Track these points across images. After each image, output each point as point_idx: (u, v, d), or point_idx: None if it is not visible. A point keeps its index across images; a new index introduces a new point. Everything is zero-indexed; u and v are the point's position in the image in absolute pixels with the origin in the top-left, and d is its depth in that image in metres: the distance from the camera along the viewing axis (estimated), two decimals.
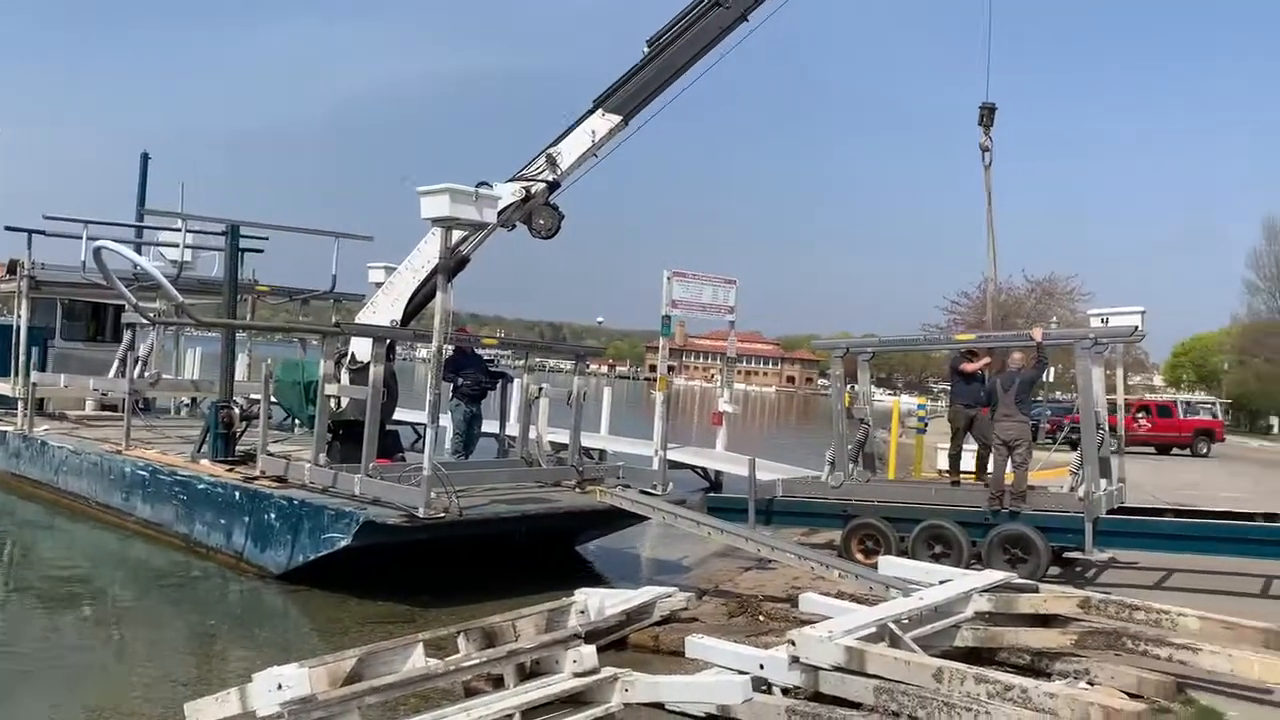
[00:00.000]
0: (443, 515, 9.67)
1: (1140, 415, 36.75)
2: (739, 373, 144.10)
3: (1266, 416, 79.38)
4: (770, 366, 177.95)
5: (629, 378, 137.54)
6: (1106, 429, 11.46)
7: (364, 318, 12.55)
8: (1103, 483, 10.94)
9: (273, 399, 13.55)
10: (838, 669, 6.13)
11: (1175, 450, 36.46)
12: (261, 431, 11.99)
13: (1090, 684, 6.67)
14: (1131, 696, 6.36)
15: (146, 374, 16.58)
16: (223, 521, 11.36)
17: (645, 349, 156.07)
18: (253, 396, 13.92)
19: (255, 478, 11.47)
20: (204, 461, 12.59)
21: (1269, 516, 11.93)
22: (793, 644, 6.27)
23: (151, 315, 14.02)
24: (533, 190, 11.75)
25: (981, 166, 12.86)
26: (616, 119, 11.76)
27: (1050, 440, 18.56)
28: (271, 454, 11.84)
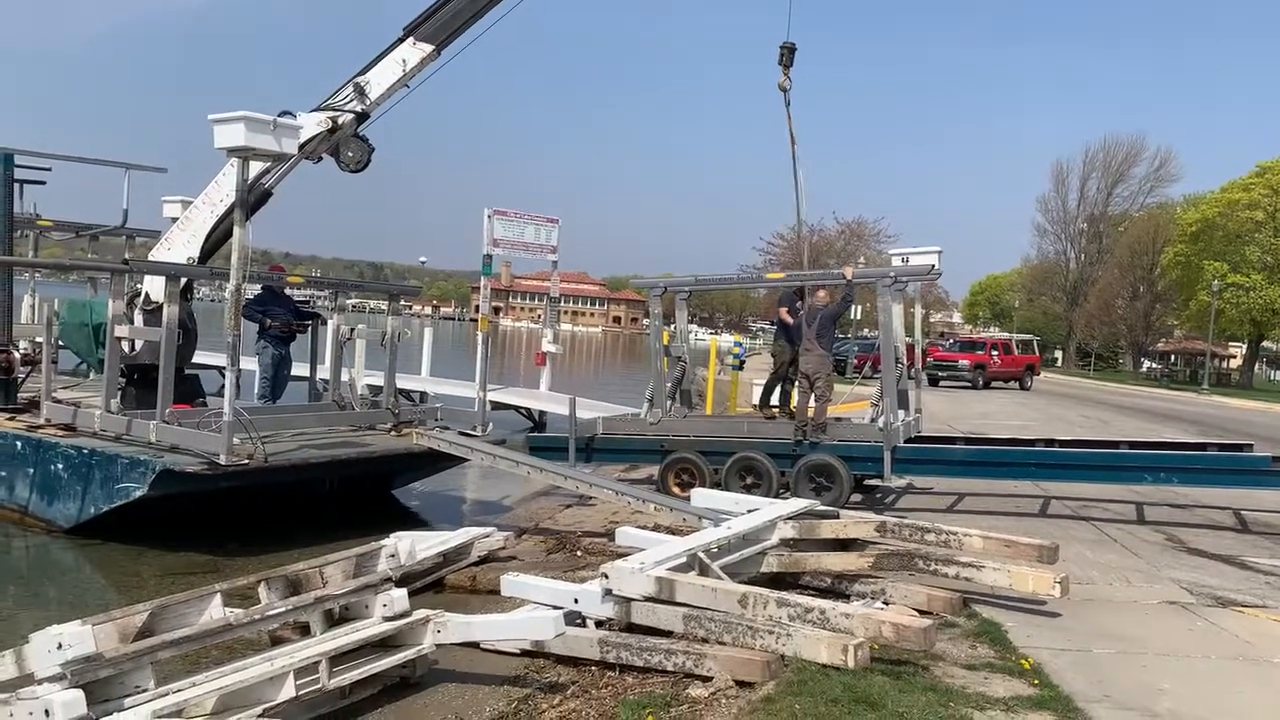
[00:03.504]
0: (247, 462, 9.28)
1: (994, 352, 40.17)
2: (566, 313, 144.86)
3: (1051, 350, 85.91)
4: (597, 307, 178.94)
5: (454, 319, 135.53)
6: (905, 363, 12.05)
7: (158, 255, 11.77)
8: (901, 414, 11.54)
9: (60, 343, 12.62)
10: (649, 599, 6.25)
11: (995, 384, 39.28)
12: (45, 376, 11.14)
13: (886, 603, 7.06)
14: (922, 613, 6.77)
15: None
16: (3, 474, 10.52)
17: (470, 290, 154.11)
18: (37, 340, 12.93)
19: (40, 426, 10.67)
20: None
21: (1049, 442, 12.93)
22: (606, 577, 6.35)
23: None
24: (340, 121, 11.20)
25: (784, 107, 13.03)
26: (429, 48, 11.32)
27: (858, 374, 19.41)
28: (58, 401, 11.04)
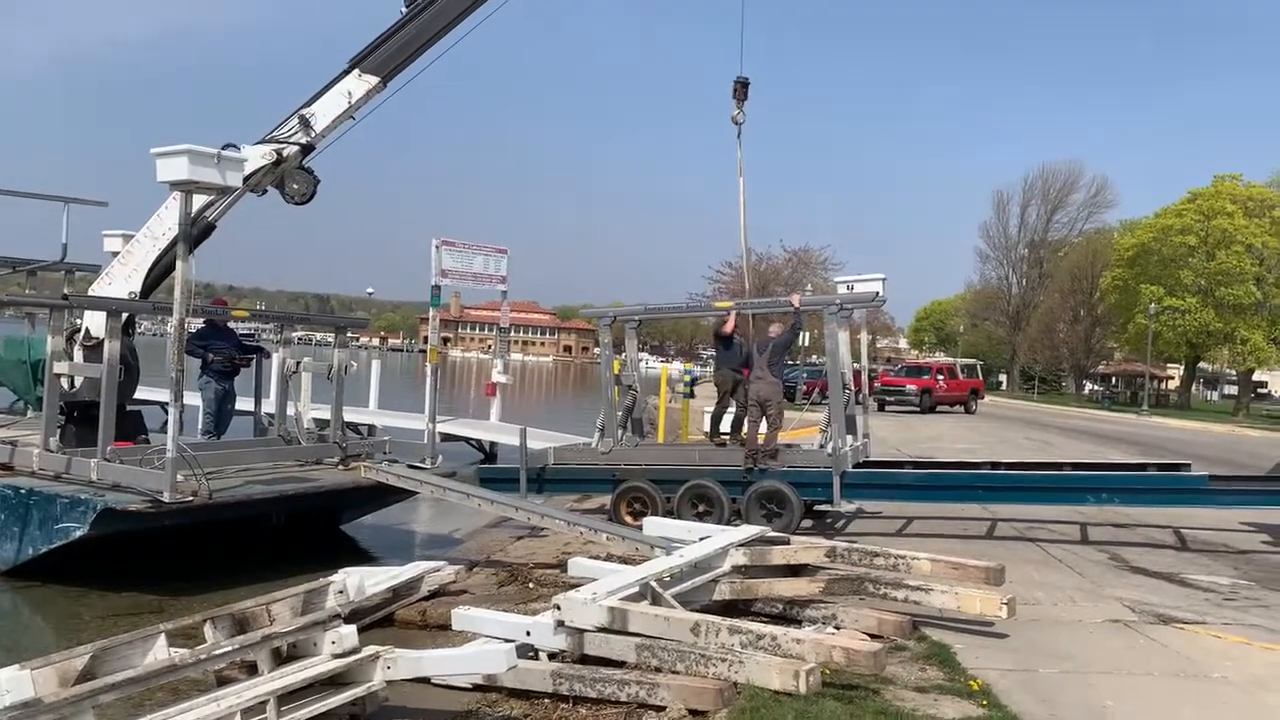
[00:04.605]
0: (191, 499, 9.11)
1: (939, 376, 40.90)
2: (516, 343, 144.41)
3: (996, 374, 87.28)
4: (547, 336, 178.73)
5: (403, 350, 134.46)
6: (852, 389, 12.20)
7: (99, 289, 11.58)
8: (849, 439, 11.67)
9: None
10: (601, 630, 6.23)
11: (940, 409, 39.83)
12: None
13: (836, 628, 7.12)
14: (872, 637, 6.82)
15: None
16: None
17: (419, 321, 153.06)
18: None
19: None
20: None
21: (994, 465, 13.16)
22: (558, 608, 6.33)
23: None
24: (285, 153, 11.16)
25: (735, 140, 13.30)
26: (374, 80, 11.35)
27: (806, 400, 19.57)
28: None
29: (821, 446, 11.60)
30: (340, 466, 11.60)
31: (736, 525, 9.82)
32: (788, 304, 12.79)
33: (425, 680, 6.19)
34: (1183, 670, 6.69)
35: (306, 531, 11.37)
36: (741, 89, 13.32)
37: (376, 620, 8.00)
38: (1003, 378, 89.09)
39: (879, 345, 78.20)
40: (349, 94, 11.36)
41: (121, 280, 11.29)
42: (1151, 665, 6.76)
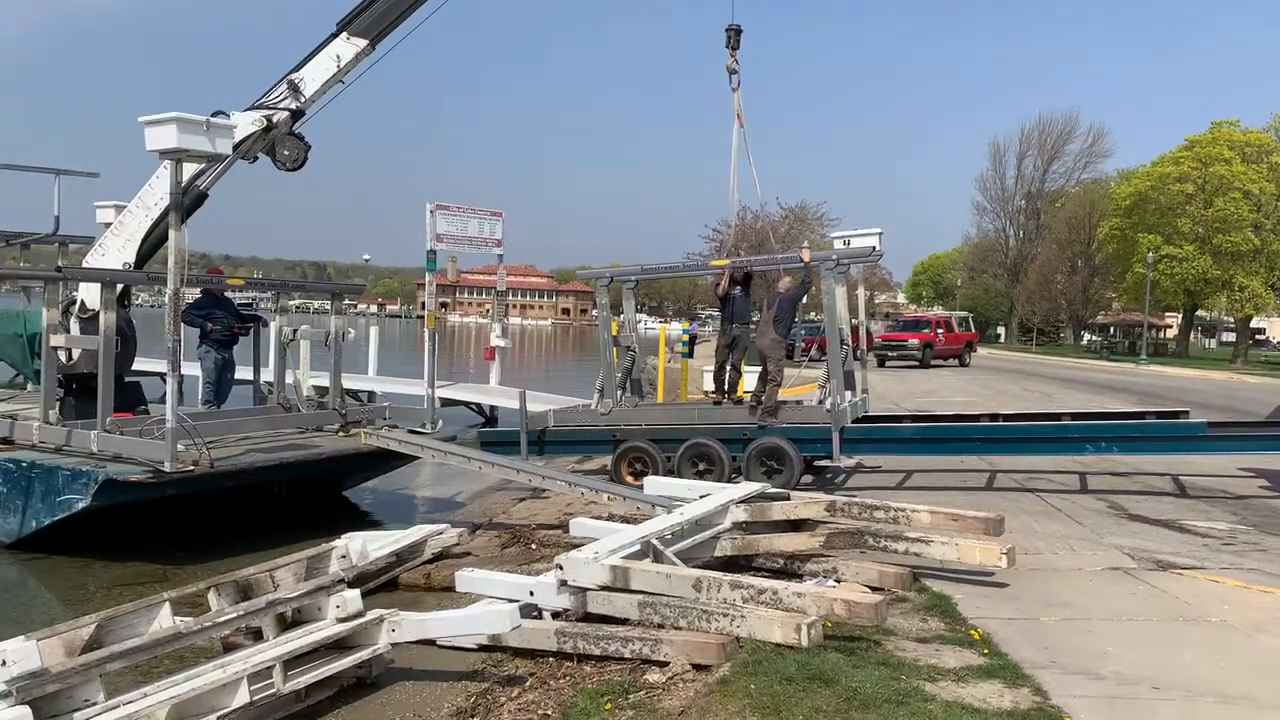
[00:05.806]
0: (192, 468, 9.14)
1: (939, 330, 41.27)
2: (514, 307, 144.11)
3: (994, 326, 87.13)
4: (545, 299, 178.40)
5: (400, 316, 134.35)
6: (850, 344, 12.20)
7: (93, 261, 11.54)
8: (847, 394, 11.68)
9: None
10: (604, 588, 6.28)
11: (936, 362, 40.00)
12: None
13: (837, 581, 7.16)
14: (873, 590, 6.87)
15: None
16: None
17: (416, 286, 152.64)
18: None
19: None
20: None
21: (993, 417, 13.18)
22: (560, 568, 6.37)
23: None
24: (275, 119, 11.06)
25: (730, 90, 13.12)
26: (362, 43, 11.22)
27: (805, 357, 19.55)
28: None
29: (820, 402, 11.63)
30: (341, 433, 11.63)
31: (737, 482, 9.86)
32: (788, 259, 12.72)
33: (430, 642, 6.25)
34: (1182, 615, 6.73)
35: (308, 498, 11.42)
36: (734, 36, 13.17)
37: (380, 584, 8.06)
38: (1001, 330, 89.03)
39: (878, 301, 78.02)
40: (337, 58, 11.24)
41: (115, 251, 11.24)
42: (1151, 611, 6.81)
